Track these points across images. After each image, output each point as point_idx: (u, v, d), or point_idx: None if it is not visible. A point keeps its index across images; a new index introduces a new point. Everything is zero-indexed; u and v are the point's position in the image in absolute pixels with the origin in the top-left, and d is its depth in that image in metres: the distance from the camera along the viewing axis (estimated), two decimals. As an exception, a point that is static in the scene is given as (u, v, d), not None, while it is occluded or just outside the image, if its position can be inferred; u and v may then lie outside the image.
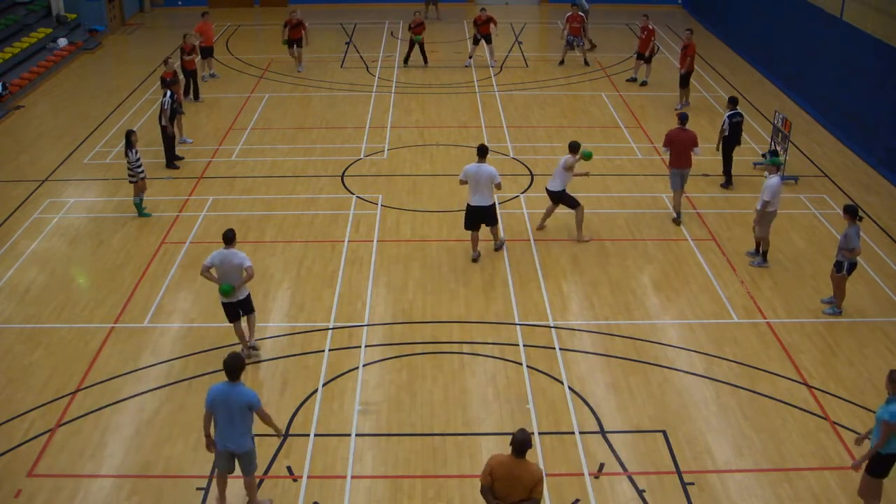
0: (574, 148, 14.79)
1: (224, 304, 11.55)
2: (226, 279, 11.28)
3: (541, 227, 15.42)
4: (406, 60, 25.19)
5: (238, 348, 11.83)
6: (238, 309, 11.59)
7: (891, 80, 17.89)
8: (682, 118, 15.75)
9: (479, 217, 14.21)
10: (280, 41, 24.59)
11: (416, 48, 24.89)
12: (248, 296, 11.66)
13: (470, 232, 14.35)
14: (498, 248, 14.72)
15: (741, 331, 12.68)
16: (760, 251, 14.34)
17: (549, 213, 15.36)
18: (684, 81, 21.43)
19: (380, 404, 11.09)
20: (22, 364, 11.91)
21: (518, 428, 8.04)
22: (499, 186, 14.13)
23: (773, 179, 13.80)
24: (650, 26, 22.99)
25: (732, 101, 17.28)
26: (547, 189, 15.06)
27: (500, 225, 14.83)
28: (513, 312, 13.02)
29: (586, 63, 25.18)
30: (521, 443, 7.87)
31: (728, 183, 17.34)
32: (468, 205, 14.20)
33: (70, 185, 17.43)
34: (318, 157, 18.76)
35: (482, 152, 14.16)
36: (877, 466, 8.98)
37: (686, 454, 10.26)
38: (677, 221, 15.66)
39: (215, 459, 9.30)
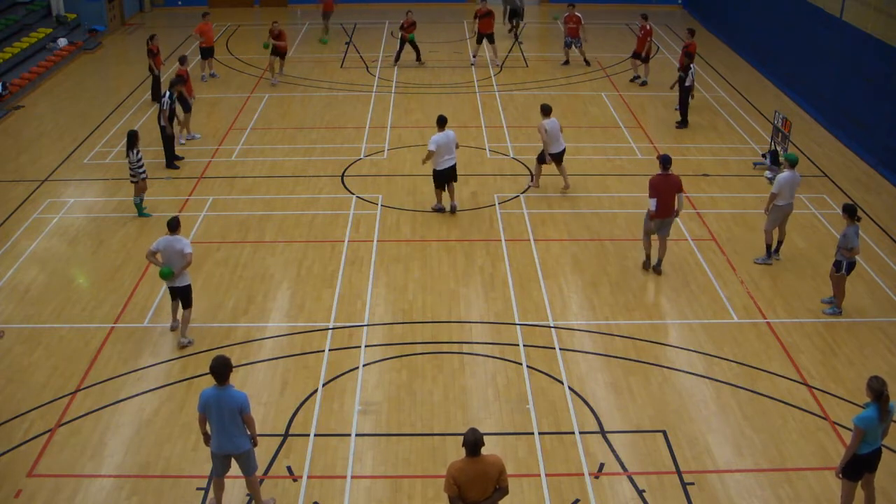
0: (546, 111, 16.54)
1: (168, 288, 12.36)
2: (169, 263, 12.02)
3: (567, 186, 16.82)
4: (396, 60, 25.17)
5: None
6: (176, 295, 12.30)
7: (891, 81, 17.89)
8: (665, 162, 13.53)
9: (452, 175, 15.85)
10: (261, 43, 23.96)
11: (406, 47, 24.86)
12: (188, 289, 12.18)
13: (439, 191, 15.99)
14: (454, 210, 16.11)
15: (741, 331, 12.68)
16: (765, 246, 14.35)
17: (563, 172, 16.84)
18: (684, 81, 21.43)
19: (380, 404, 11.09)
20: (22, 364, 11.91)
21: (469, 428, 8.02)
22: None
23: (783, 174, 13.89)
24: (648, 26, 22.99)
25: (689, 56, 19.97)
26: (552, 154, 16.49)
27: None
28: (513, 312, 13.02)
29: (587, 62, 25.18)
30: (474, 444, 7.89)
31: (684, 124, 20.24)
32: (442, 169, 15.58)
33: (70, 185, 17.43)
34: (318, 157, 18.76)
35: (442, 122, 15.69)
36: (847, 468, 8.98)
37: (686, 454, 10.26)
38: (657, 270, 13.97)
39: (212, 464, 9.28)
